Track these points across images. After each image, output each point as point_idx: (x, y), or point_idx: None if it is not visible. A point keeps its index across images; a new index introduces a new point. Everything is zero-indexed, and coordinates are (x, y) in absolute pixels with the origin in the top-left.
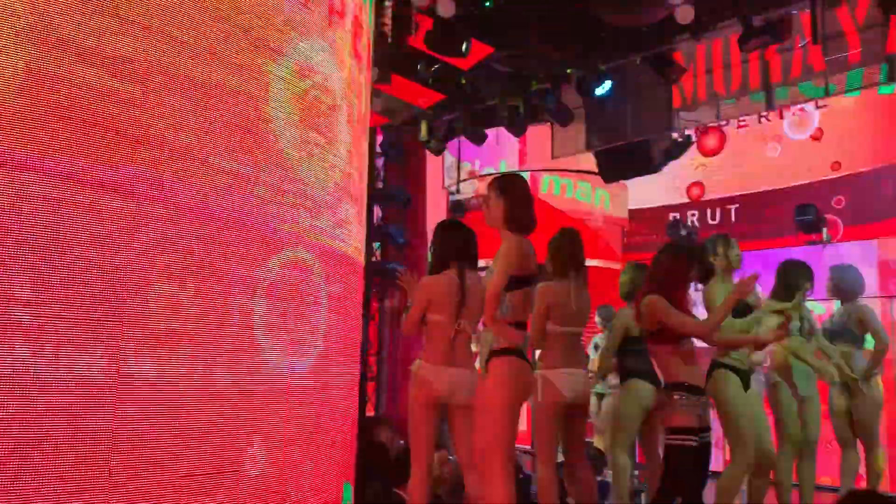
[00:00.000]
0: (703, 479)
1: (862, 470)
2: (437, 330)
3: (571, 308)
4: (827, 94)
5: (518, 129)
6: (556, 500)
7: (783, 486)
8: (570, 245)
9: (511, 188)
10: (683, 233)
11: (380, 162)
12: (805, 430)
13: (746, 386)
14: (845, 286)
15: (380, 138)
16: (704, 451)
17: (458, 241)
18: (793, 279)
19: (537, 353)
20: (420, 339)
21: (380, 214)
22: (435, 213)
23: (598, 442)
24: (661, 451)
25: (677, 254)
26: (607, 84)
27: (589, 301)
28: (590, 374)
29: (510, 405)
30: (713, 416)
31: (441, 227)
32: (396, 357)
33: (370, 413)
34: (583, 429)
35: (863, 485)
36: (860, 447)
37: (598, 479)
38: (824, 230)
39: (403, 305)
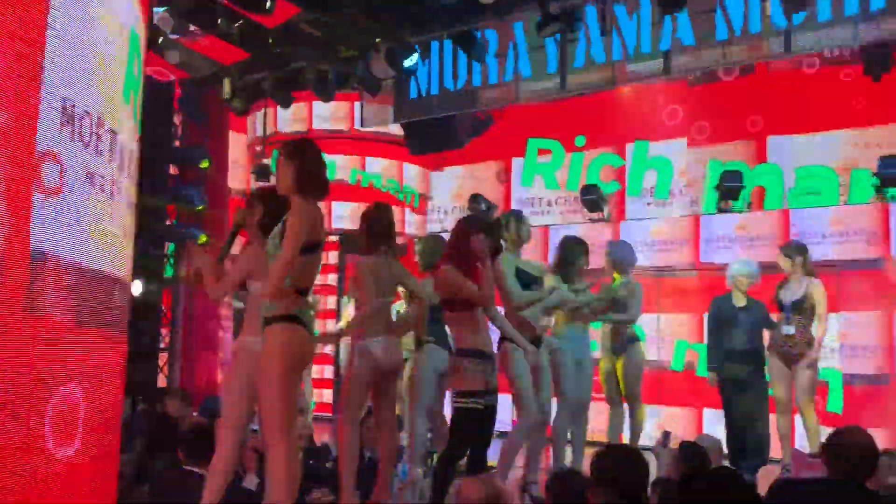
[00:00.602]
0: (488, 440)
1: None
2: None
3: (386, 280)
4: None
5: (326, 95)
6: (356, 462)
7: (558, 441)
8: (383, 218)
9: (301, 153)
10: (483, 207)
11: (177, 119)
12: (579, 390)
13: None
14: (619, 260)
15: (178, 93)
16: (490, 413)
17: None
18: (570, 254)
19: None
20: (217, 309)
21: (176, 175)
22: (238, 176)
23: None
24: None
25: (471, 227)
26: (415, 57)
27: (401, 272)
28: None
29: (290, 373)
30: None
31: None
32: (192, 328)
33: (162, 385)
34: (394, 394)
35: (626, 439)
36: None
37: None
38: (606, 209)
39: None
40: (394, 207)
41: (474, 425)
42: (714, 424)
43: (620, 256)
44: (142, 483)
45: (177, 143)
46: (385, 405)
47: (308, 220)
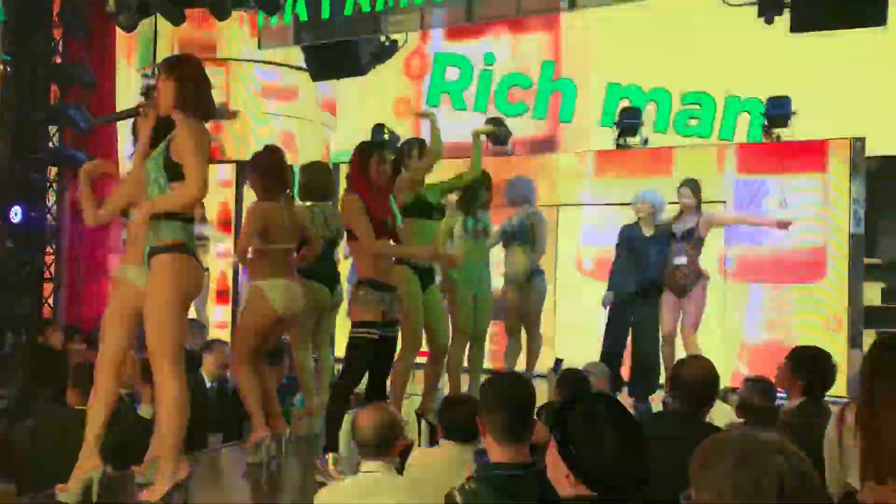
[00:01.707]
0: (386, 370)
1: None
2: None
3: (283, 225)
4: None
5: (222, 13)
6: (261, 400)
7: (455, 370)
8: (278, 163)
9: (181, 68)
10: (386, 136)
11: (57, 34)
12: (477, 322)
13: (428, 283)
14: (518, 195)
15: (56, 7)
16: (387, 344)
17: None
18: (470, 187)
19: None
20: (107, 239)
21: (58, 94)
22: (126, 97)
23: None
24: None
25: (370, 154)
26: None
27: (299, 217)
28: None
29: (179, 305)
30: None
31: None
32: (79, 256)
33: (47, 316)
34: (308, 331)
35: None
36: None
37: None
38: (509, 144)
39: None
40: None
41: (368, 356)
42: None
43: (515, 195)
44: (23, 419)
45: (57, 60)
46: (299, 345)
47: (203, 140)
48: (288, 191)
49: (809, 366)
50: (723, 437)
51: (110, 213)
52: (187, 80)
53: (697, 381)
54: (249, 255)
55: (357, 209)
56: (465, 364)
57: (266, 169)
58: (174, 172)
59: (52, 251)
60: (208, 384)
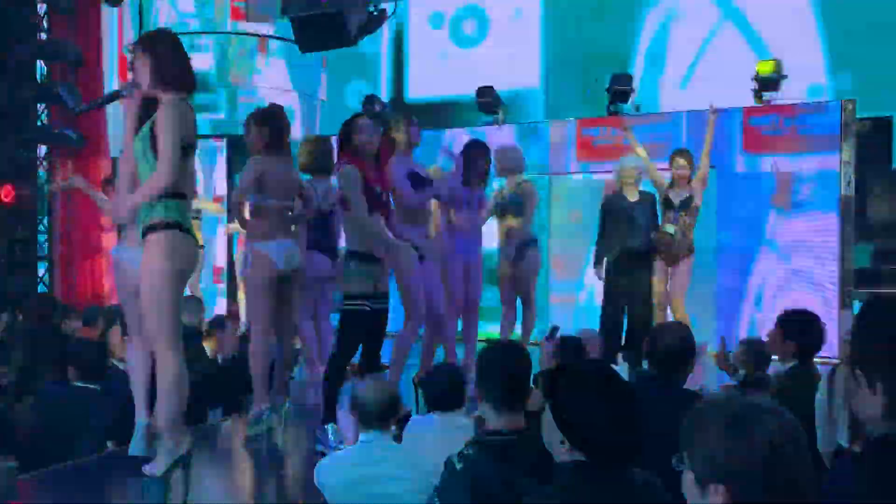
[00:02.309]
0: (379, 341)
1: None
2: None
3: (281, 182)
4: None
5: None
6: (268, 370)
7: (450, 341)
8: (278, 121)
9: (154, 43)
10: (377, 108)
11: (42, 9)
12: (468, 291)
13: (423, 256)
14: (508, 164)
15: None
16: (378, 316)
17: None
18: (468, 157)
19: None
20: (99, 217)
21: (44, 72)
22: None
23: None
24: None
25: (358, 126)
26: None
27: (298, 176)
28: None
29: (173, 283)
30: None
31: None
32: (71, 235)
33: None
34: (291, 297)
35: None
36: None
37: None
38: (500, 113)
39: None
40: None
41: (360, 328)
42: None
43: (504, 163)
44: (24, 396)
45: (42, 37)
46: (281, 309)
47: (182, 116)
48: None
49: (799, 328)
50: (715, 401)
51: (133, 202)
52: (161, 54)
53: (670, 347)
54: (246, 215)
55: (351, 180)
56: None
57: (270, 124)
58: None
59: (43, 230)
60: (219, 360)
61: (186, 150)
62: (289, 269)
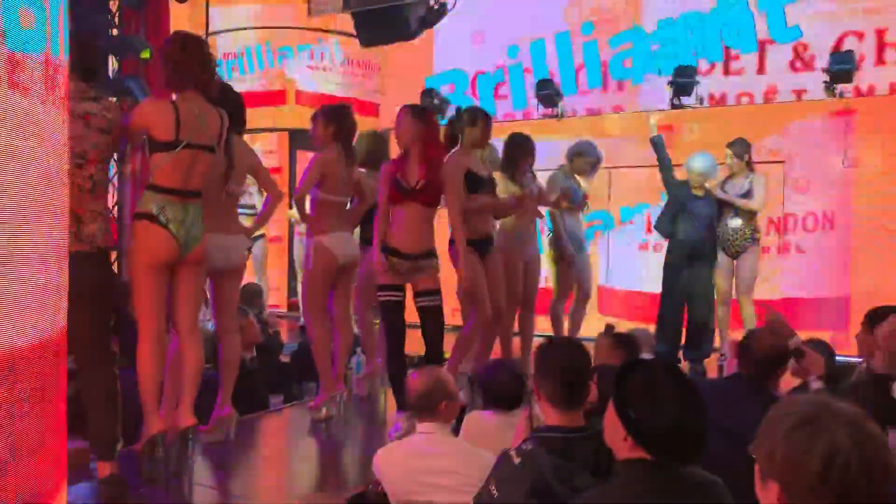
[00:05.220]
0: (434, 335)
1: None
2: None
3: (342, 178)
4: None
5: None
6: (329, 359)
7: (508, 334)
8: (341, 118)
9: (163, 50)
10: (436, 101)
11: (113, 6)
12: (526, 287)
13: (485, 252)
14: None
15: None
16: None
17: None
18: (514, 152)
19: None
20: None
21: (116, 67)
22: None
23: None
24: None
25: (422, 119)
26: None
27: (355, 172)
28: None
29: (142, 273)
30: None
31: None
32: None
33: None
34: (349, 289)
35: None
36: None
37: None
38: (560, 105)
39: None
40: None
41: (394, 317)
42: None
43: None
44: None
45: (114, 32)
46: (339, 301)
47: (151, 114)
48: (350, 146)
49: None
50: (796, 399)
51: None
52: (167, 60)
53: (766, 351)
54: (307, 210)
55: (384, 175)
56: (515, 329)
57: (337, 121)
58: None
59: (116, 220)
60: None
61: (164, 146)
62: (348, 261)
